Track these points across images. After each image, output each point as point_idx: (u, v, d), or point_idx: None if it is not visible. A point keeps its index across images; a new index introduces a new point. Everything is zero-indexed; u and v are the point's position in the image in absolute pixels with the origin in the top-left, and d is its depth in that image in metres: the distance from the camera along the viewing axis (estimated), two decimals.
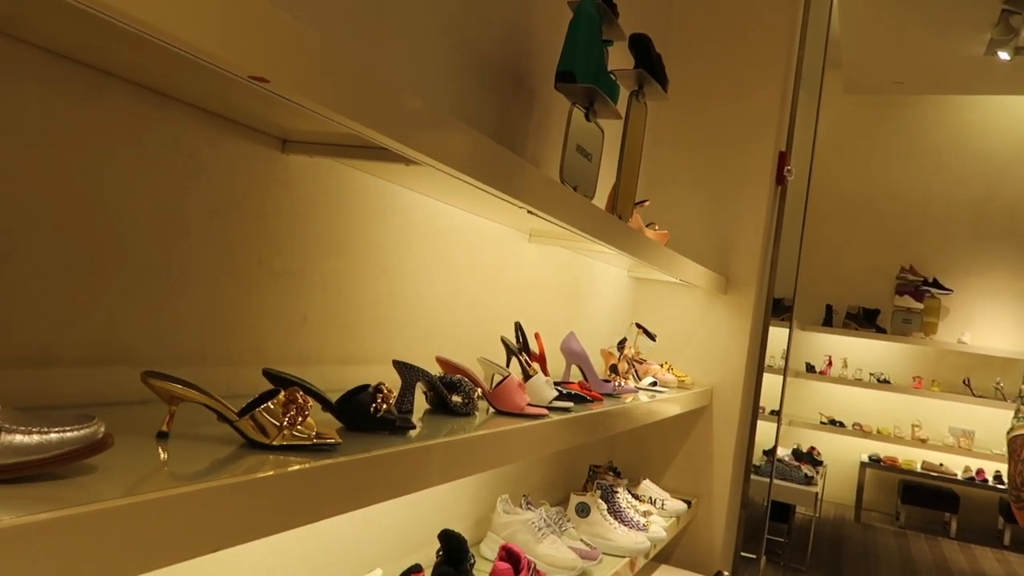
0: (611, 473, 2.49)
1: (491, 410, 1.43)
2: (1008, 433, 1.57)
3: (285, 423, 0.86)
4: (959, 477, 6.66)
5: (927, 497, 6.76)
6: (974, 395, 6.83)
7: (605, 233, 1.70)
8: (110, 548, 0.61)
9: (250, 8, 0.67)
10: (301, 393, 0.90)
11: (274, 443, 0.86)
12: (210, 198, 1.12)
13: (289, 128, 1.18)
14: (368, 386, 1.08)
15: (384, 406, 1.05)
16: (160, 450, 0.82)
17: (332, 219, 1.36)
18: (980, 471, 6.66)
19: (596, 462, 2.65)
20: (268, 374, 1.00)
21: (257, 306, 1.22)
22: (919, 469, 6.78)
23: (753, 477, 4.67)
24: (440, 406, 1.34)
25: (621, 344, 2.44)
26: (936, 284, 7.07)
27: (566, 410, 1.58)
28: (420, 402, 1.36)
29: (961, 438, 6.73)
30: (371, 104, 0.88)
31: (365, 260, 1.46)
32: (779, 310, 5.49)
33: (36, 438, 0.63)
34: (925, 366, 7.14)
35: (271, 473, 0.78)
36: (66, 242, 0.93)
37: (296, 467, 0.81)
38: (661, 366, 2.74)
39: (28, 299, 0.89)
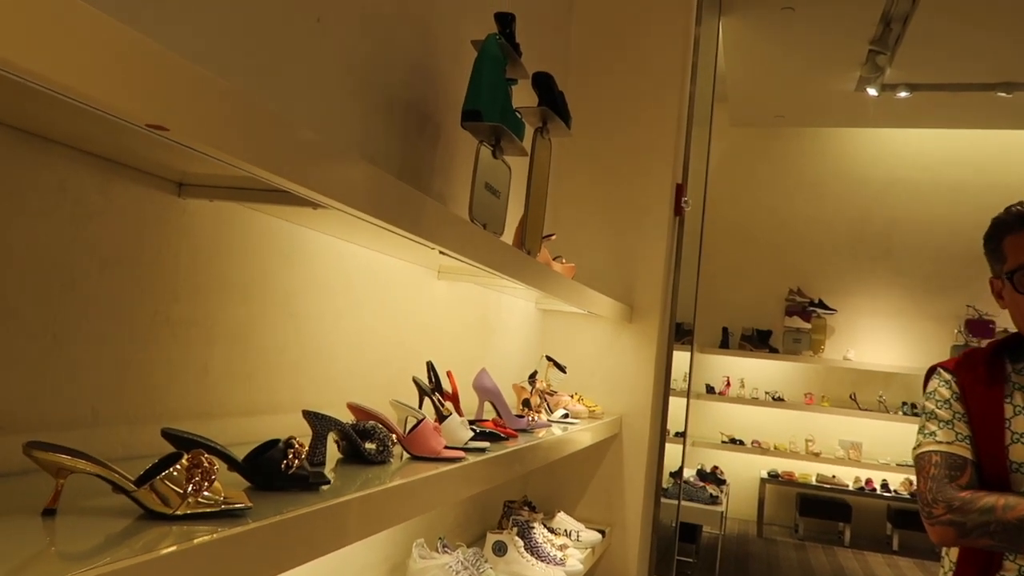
0: (526, 508, 2.48)
1: (406, 456, 1.39)
2: (915, 450, 1.65)
3: (190, 490, 0.80)
4: (850, 487, 7.00)
5: (822, 508, 7.07)
6: (860, 408, 7.23)
7: (516, 270, 1.70)
8: None
9: (147, 54, 0.63)
10: (206, 455, 0.84)
11: (177, 512, 0.79)
12: (100, 247, 1.04)
13: (186, 171, 1.12)
14: (278, 441, 1.02)
15: (296, 461, 1.00)
16: (47, 529, 0.75)
17: (235, 264, 1.30)
18: (869, 480, 7.03)
19: (510, 497, 2.63)
20: (168, 435, 0.94)
21: (154, 359, 1.14)
22: (814, 482, 7.09)
23: (662, 501, 4.76)
24: (354, 455, 1.29)
25: (532, 377, 2.44)
26: (822, 304, 7.47)
27: (482, 450, 1.56)
28: (332, 451, 1.30)
29: (850, 450, 7.09)
30: (275, 149, 0.84)
31: (271, 305, 1.40)
32: (680, 334, 5.65)
33: None
34: (815, 383, 7.51)
35: (175, 548, 0.73)
36: None
37: (203, 538, 0.75)
38: (572, 397, 2.75)
39: None
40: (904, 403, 7.19)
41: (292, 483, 1.00)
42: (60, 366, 0.99)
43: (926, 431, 1.64)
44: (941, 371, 1.71)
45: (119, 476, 0.79)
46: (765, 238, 7.76)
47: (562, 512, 2.74)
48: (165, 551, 0.71)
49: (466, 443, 1.55)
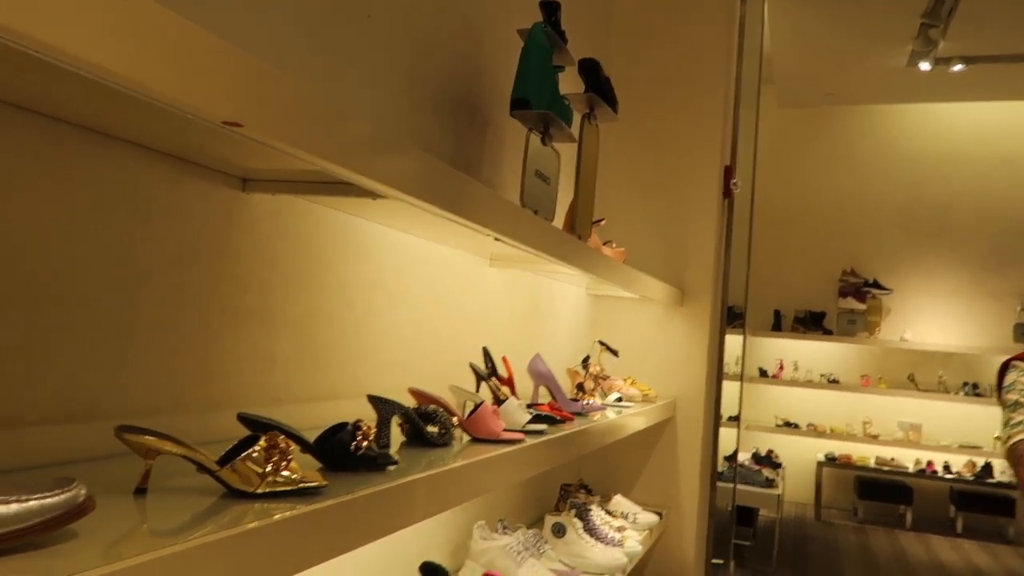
0: (583, 491, 2.50)
1: (466, 438, 1.42)
2: (1005, 442, 1.65)
3: (268, 469, 0.84)
4: (911, 470, 6.86)
5: (882, 491, 6.94)
6: (919, 389, 7.06)
7: (568, 255, 1.71)
8: None
9: (223, 54, 0.66)
10: (282, 437, 0.88)
11: (258, 491, 0.84)
12: (171, 243, 1.09)
13: (250, 167, 1.17)
14: (347, 424, 1.06)
15: (364, 443, 1.04)
16: (139, 507, 0.80)
17: (296, 256, 1.34)
18: (930, 463, 6.87)
19: (566, 481, 2.65)
20: (243, 418, 0.98)
21: (225, 349, 1.19)
22: (873, 465, 6.96)
23: (718, 484, 4.74)
24: (416, 438, 1.32)
25: (585, 362, 2.45)
26: (876, 284, 7.31)
27: (540, 432, 1.58)
28: (396, 435, 1.34)
29: (910, 432, 6.94)
30: (340, 142, 0.87)
31: (330, 296, 1.44)
32: (732, 318, 5.59)
33: (15, 507, 0.61)
34: (872, 364, 7.35)
35: (258, 524, 0.76)
36: (21, 299, 0.89)
37: (283, 515, 0.79)
38: (624, 381, 2.76)
39: None
40: (965, 383, 6.99)
41: (361, 463, 1.03)
42: (139, 356, 1.05)
43: (1013, 422, 1.65)
44: (1017, 363, 1.76)
45: (203, 457, 0.83)
46: (816, 219, 7.61)
47: (619, 495, 2.76)
48: (249, 526, 0.75)
49: (524, 426, 1.57)
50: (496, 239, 1.37)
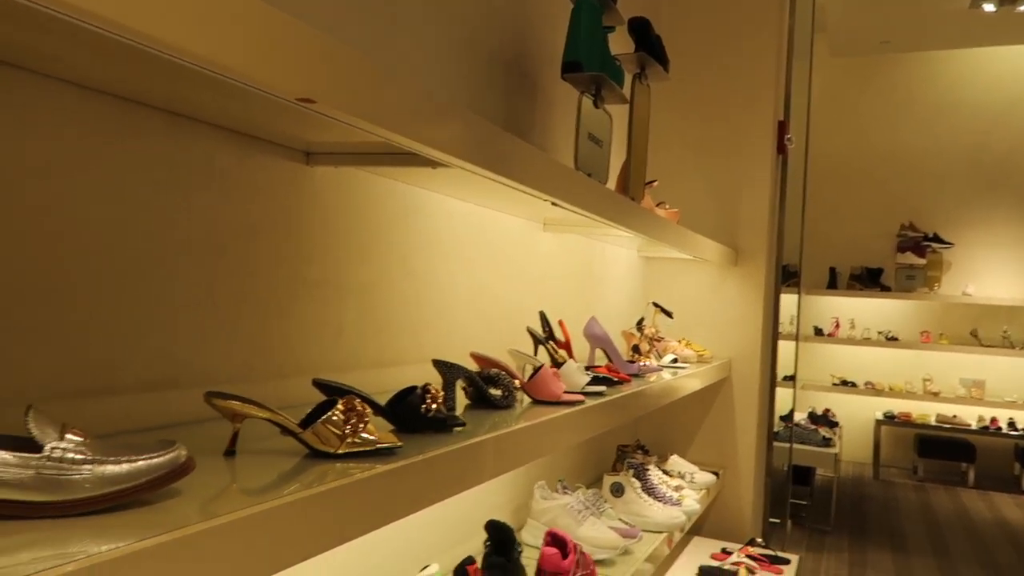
0: (640, 451, 2.52)
1: (528, 400, 1.46)
2: None
3: (347, 431, 0.88)
4: (973, 427, 6.71)
5: (943, 449, 6.81)
6: (982, 345, 6.87)
7: (622, 216, 1.71)
8: (210, 567, 0.63)
9: (297, 34, 0.68)
10: (358, 400, 0.92)
11: (339, 451, 0.88)
12: (243, 217, 1.14)
13: (313, 140, 1.20)
14: (416, 387, 1.10)
15: (434, 405, 1.08)
16: (229, 467, 0.85)
17: (359, 227, 1.38)
18: (994, 419, 6.71)
19: (623, 442, 2.68)
20: (318, 384, 1.03)
21: (294, 319, 1.24)
22: (933, 422, 6.82)
23: (774, 444, 4.72)
24: (480, 400, 1.36)
25: (640, 324, 2.46)
26: (937, 239, 7.09)
27: (600, 394, 1.61)
28: (460, 398, 1.38)
29: (972, 388, 6.78)
30: (405, 114, 0.89)
31: (393, 264, 1.48)
32: (786, 276, 5.51)
33: (126, 467, 0.65)
34: (932, 320, 7.17)
35: (342, 482, 0.81)
36: (114, 273, 0.95)
37: (363, 474, 0.83)
38: (679, 342, 2.76)
39: (85, 331, 0.91)
40: None
41: (430, 425, 1.07)
42: (217, 327, 1.10)
43: None
44: None
45: (286, 420, 0.88)
46: (872, 173, 7.39)
47: (675, 455, 2.78)
48: (336, 484, 0.79)
49: (583, 387, 1.60)
50: (553, 203, 1.38)
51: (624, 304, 2.91)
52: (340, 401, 0.91)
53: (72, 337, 0.90)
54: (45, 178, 0.86)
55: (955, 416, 6.82)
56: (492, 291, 1.89)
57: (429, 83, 1.54)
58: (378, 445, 0.90)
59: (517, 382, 1.41)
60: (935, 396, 6.87)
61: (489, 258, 1.86)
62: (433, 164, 1.12)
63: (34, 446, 0.61)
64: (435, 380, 1.28)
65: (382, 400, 1.10)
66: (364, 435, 0.89)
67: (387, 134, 0.87)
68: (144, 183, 0.98)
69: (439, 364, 1.28)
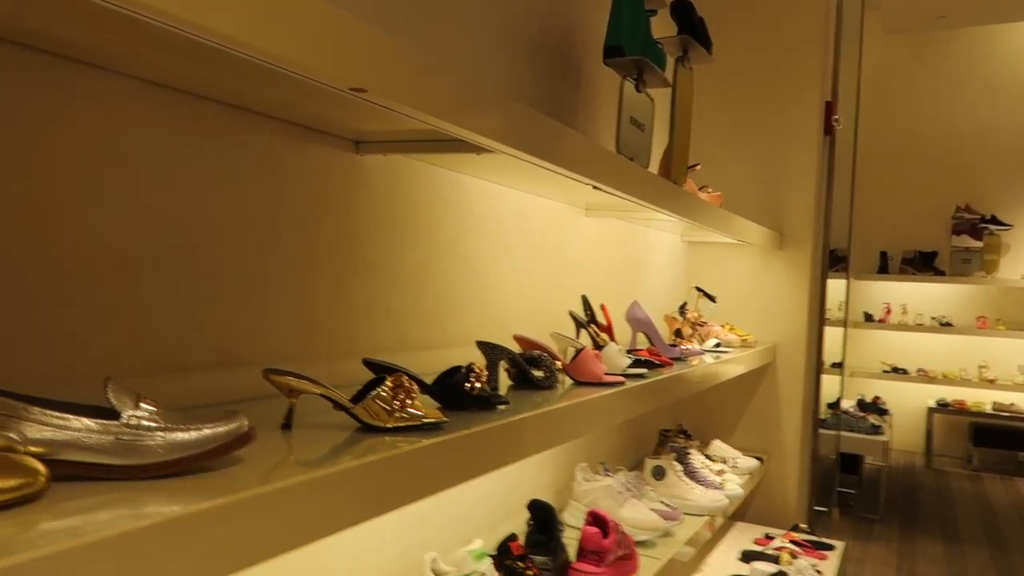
0: (682, 436, 2.54)
1: (570, 382, 1.49)
2: None
3: (396, 406, 0.93)
4: None
5: (1000, 438, 6.64)
6: None
7: (665, 200, 1.73)
8: (269, 529, 0.68)
9: (348, 27, 0.72)
10: (407, 378, 0.96)
11: (387, 425, 0.92)
12: (297, 205, 1.19)
13: (363, 129, 1.24)
14: (461, 367, 1.14)
15: (478, 384, 1.11)
16: (286, 440, 0.90)
17: (406, 213, 1.42)
18: None
19: (665, 426, 2.70)
20: (368, 363, 1.07)
21: (346, 301, 1.29)
22: (989, 410, 6.65)
23: (820, 431, 4.67)
24: (523, 381, 1.39)
25: (683, 308, 2.47)
26: (994, 220, 6.88)
27: (641, 376, 1.63)
28: (503, 379, 1.42)
29: None
30: (449, 101, 0.93)
31: (439, 249, 1.52)
32: (834, 261, 5.42)
33: (194, 434, 0.71)
34: (988, 305, 6.97)
35: (391, 453, 0.85)
36: (176, 260, 1.00)
37: (412, 446, 0.87)
38: (722, 327, 2.76)
39: (153, 312, 0.97)
40: None
41: (475, 403, 1.11)
42: (274, 309, 1.15)
43: None
44: None
45: (338, 395, 0.92)
46: (926, 153, 7.19)
47: (718, 440, 2.78)
48: (386, 455, 0.84)
49: (625, 369, 1.62)
50: (595, 187, 1.40)
51: (667, 289, 2.91)
52: (389, 378, 0.96)
53: (142, 318, 0.96)
54: (117, 168, 0.92)
55: (1012, 404, 6.63)
56: (535, 275, 1.92)
57: (471, 70, 1.57)
58: (424, 420, 0.94)
59: (559, 363, 1.44)
60: (991, 383, 6.69)
61: (532, 243, 1.89)
62: (478, 150, 1.15)
63: (113, 414, 0.66)
64: (480, 361, 1.32)
65: (428, 380, 1.14)
66: (411, 410, 0.93)
67: (433, 120, 0.90)
68: (206, 173, 1.03)
69: (483, 345, 1.32)
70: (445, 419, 0.97)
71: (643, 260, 2.67)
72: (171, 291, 0.99)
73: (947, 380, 6.82)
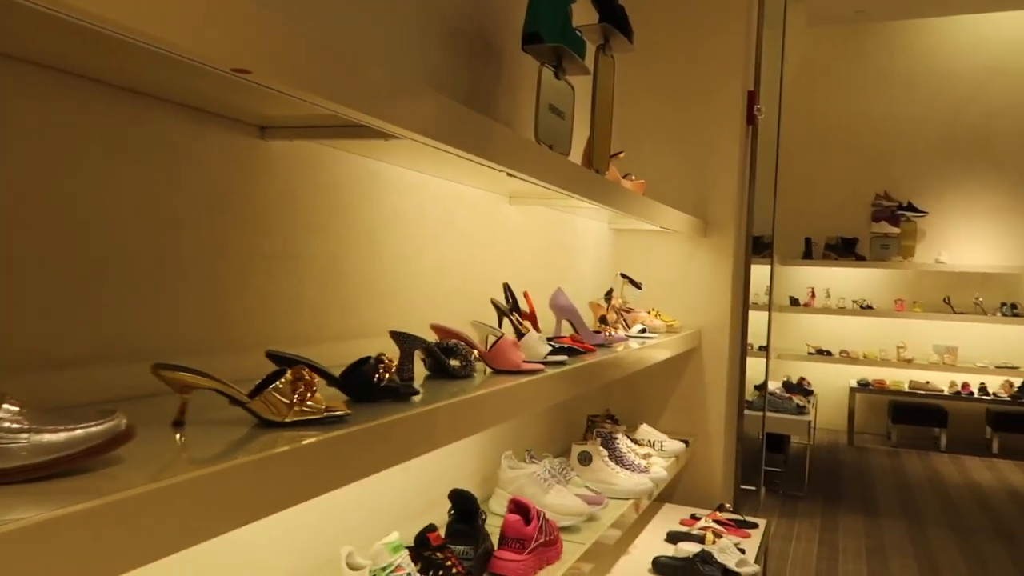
0: (609, 421, 2.56)
1: (488, 370, 1.48)
2: None
3: (295, 400, 0.90)
4: (945, 392, 6.84)
5: (916, 415, 6.95)
6: (955, 312, 6.99)
7: (584, 188, 1.73)
8: (143, 532, 0.65)
9: (227, 3, 0.69)
10: (307, 370, 0.93)
11: (286, 420, 0.89)
12: (197, 190, 1.14)
13: (267, 115, 1.20)
14: (369, 358, 1.11)
15: (387, 375, 1.09)
16: (178, 437, 0.86)
17: (318, 200, 1.38)
18: (965, 384, 6.84)
19: (593, 412, 2.72)
20: (272, 355, 1.04)
21: (253, 291, 1.25)
22: (907, 389, 6.95)
23: (747, 412, 4.79)
24: (439, 371, 1.38)
25: (608, 295, 2.48)
26: (911, 207, 7.16)
27: (561, 363, 1.63)
28: (420, 369, 1.40)
29: (945, 355, 6.90)
30: (348, 85, 0.90)
31: (356, 238, 1.49)
32: (759, 247, 5.56)
33: (63, 435, 0.67)
34: (905, 288, 7.27)
35: (287, 448, 0.82)
36: (63, 247, 0.95)
37: (310, 440, 0.85)
38: (649, 313, 2.79)
39: (32, 305, 0.92)
40: (1003, 304, 6.89)
41: (384, 394, 1.09)
42: (174, 300, 1.10)
43: None
44: None
45: (234, 390, 0.89)
46: (848, 143, 7.43)
47: (645, 424, 2.82)
48: (279, 450, 0.81)
49: (545, 357, 1.62)
50: (510, 175, 1.39)
51: (595, 276, 2.93)
52: (289, 371, 0.93)
53: (17, 310, 0.90)
54: None
55: (928, 382, 6.94)
56: (459, 264, 1.90)
57: (384, 53, 1.54)
58: (326, 413, 0.92)
59: (476, 352, 1.43)
60: (908, 363, 6.99)
61: (455, 231, 1.87)
62: (385, 136, 1.12)
63: None
64: (397, 352, 1.30)
65: (340, 372, 1.11)
66: (312, 403, 0.91)
67: (327, 104, 0.87)
68: (93, 157, 0.98)
69: (396, 335, 1.30)
70: (348, 412, 0.94)
71: (570, 248, 2.67)
72: (50, 282, 0.94)
73: (868, 361, 7.09)
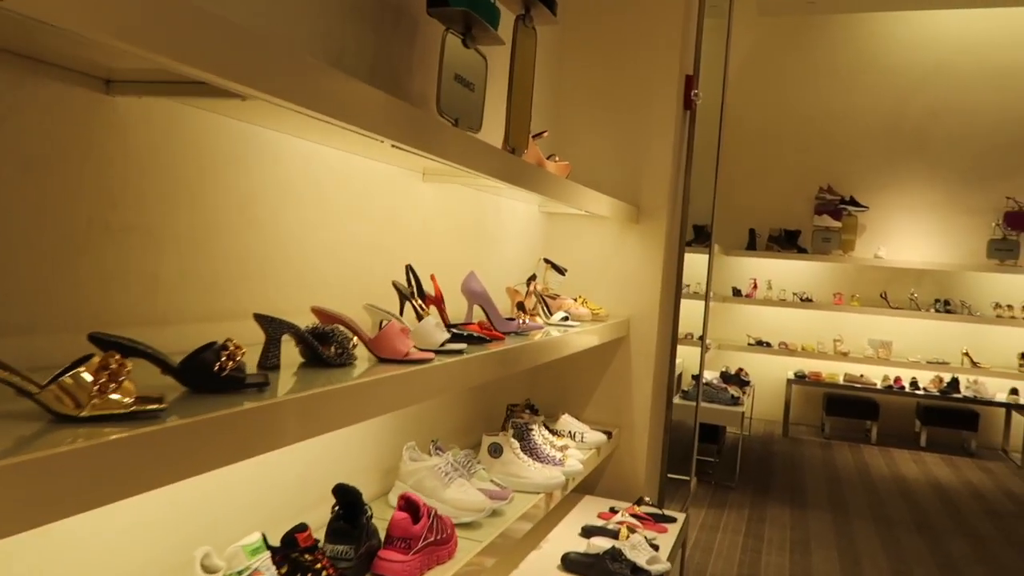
0: (527, 411, 2.47)
1: (374, 359, 1.37)
2: None
3: (95, 392, 0.78)
4: (878, 386, 6.96)
5: (849, 407, 7.06)
6: (891, 307, 7.10)
7: (491, 167, 1.62)
8: None
9: None
10: (117, 356, 0.81)
11: (83, 415, 0.77)
12: (20, 147, 1.00)
13: (113, 67, 1.06)
14: (214, 343, 1.00)
15: (230, 363, 0.97)
16: None
17: (181, 167, 1.25)
18: (898, 379, 6.97)
19: (514, 401, 2.63)
20: (94, 338, 0.91)
21: (94, 266, 1.11)
22: (841, 381, 7.05)
23: (682, 402, 4.77)
24: (315, 359, 1.26)
25: (530, 281, 2.39)
26: (853, 202, 7.24)
27: (458, 352, 1.53)
28: (296, 357, 1.28)
29: (880, 349, 7.01)
30: (175, 33, 0.78)
31: (227, 210, 1.36)
32: (702, 237, 5.54)
33: None
34: (845, 282, 7.36)
35: (77, 446, 0.71)
36: None
37: (108, 438, 0.73)
38: (575, 300, 2.71)
39: None
40: (937, 300, 7.03)
41: (226, 386, 0.97)
42: None
43: None
44: None
45: (20, 379, 0.76)
46: (794, 135, 7.47)
47: (566, 415, 2.74)
48: (64, 449, 0.69)
49: (441, 345, 1.52)
50: (393, 146, 1.27)
51: (522, 260, 2.83)
52: (95, 357, 0.81)
53: None
54: None
55: (862, 375, 7.05)
56: (361, 244, 1.78)
57: (264, 15, 1.40)
58: (134, 408, 0.80)
59: (355, 339, 1.32)
60: (844, 356, 7.09)
61: (356, 208, 1.75)
62: (239, 96, 1.00)
63: None
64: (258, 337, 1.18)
65: None
66: (116, 396, 0.79)
67: (146, 54, 0.75)
68: None
69: (261, 318, 1.18)
70: (162, 406, 0.82)
71: (494, 231, 2.57)
72: None
73: (805, 353, 7.18)
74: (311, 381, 1.13)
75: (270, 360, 1.18)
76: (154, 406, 0.82)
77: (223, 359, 0.97)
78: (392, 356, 1.36)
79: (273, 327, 1.18)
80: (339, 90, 1.08)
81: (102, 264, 1.13)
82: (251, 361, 1.18)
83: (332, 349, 1.26)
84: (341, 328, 1.30)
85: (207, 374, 0.96)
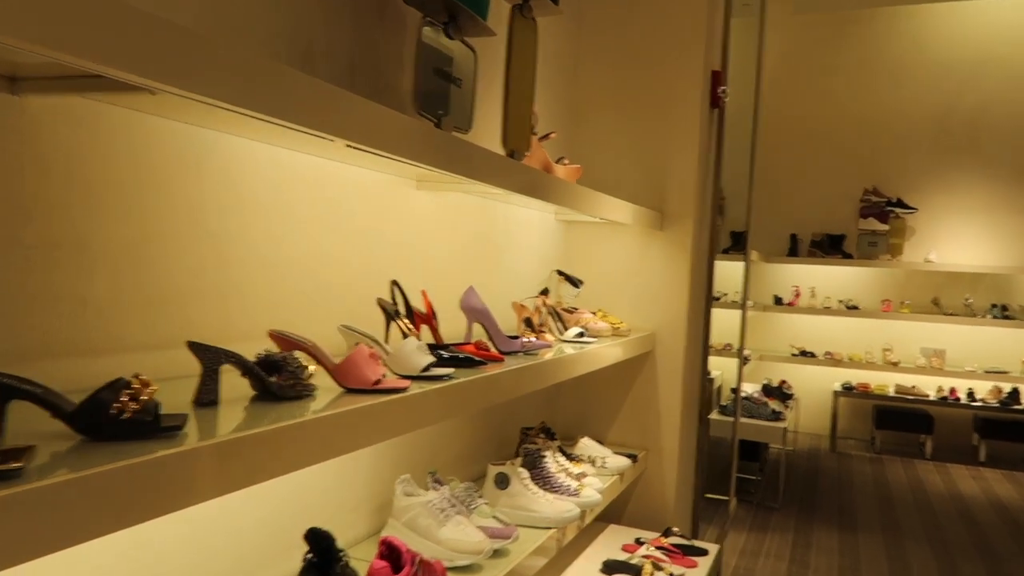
0: (542, 435, 2.29)
1: (339, 390, 1.20)
2: None
3: None
4: (932, 397, 6.58)
5: (901, 420, 6.69)
6: (944, 314, 6.73)
7: (484, 170, 1.45)
8: None
9: None
10: None
11: None
12: None
13: (17, 62, 0.92)
14: (119, 380, 0.84)
15: (133, 404, 0.82)
16: None
17: (114, 174, 1.11)
18: (953, 390, 6.58)
19: (529, 424, 2.45)
20: None
21: (3, 290, 0.97)
22: (892, 393, 6.69)
23: (720, 417, 4.53)
24: (265, 391, 1.11)
25: (540, 295, 2.21)
26: (900, 204, 6.90)
27: (443, 378, 1.36)
28: (246, 390, 1.13)
29: (933, 358, 6.64)
30: (73, 23, 0.63)
31: (175, 223, 1.21)
32: (739, 243, 5.29)
33: None
34: (893, 288, 7.01)
35: None
36: None
37: None
38: (594, 314, 2.52)
39: None
40: (994, 305, 6.63)
41: (128, 431, 0.82)
42: None
43: None
44: None
45: None
46: (836, 136, 7.15)
47: (586, 438, 2.55)
48: None
49: (423, 370, 1.35)
50: (349, 146, 1.11)
51: (538, 273, 2.65)
52: None
53: None
54: None
55: (914, 386, 6.69)
56: (343, 259, 1.62)
57: (224, 8, 1.25)
58: None
59: (312, 368, 1.16)
60: (894, 366, 6.74)
61: (335, 220, 1.59)
62: (150, 90, 0.85)
63: None
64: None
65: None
66: None
67: (19, 44, 0.61)
68: None
69: (195, 347, 1.03)
70: (19, 465, 0.67)
71: (504, 242, 2.39)
72: None
73: (853, 363, 6.84)
74: (253, 419, 0.98)
75: (206, 395, 1.02)
76: (12, 464, 0.67)
77: (123, 400, 0.82)
78: (360, 385, 1.19)
79: (209, 356, 1.03)
80: (269, 81, 0.92)
81: (14, 287, 0.98)
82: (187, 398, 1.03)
83: (282, 379, 1.10)
84: (295, 355, 1.15)
85: (103, 418, 0.81)
